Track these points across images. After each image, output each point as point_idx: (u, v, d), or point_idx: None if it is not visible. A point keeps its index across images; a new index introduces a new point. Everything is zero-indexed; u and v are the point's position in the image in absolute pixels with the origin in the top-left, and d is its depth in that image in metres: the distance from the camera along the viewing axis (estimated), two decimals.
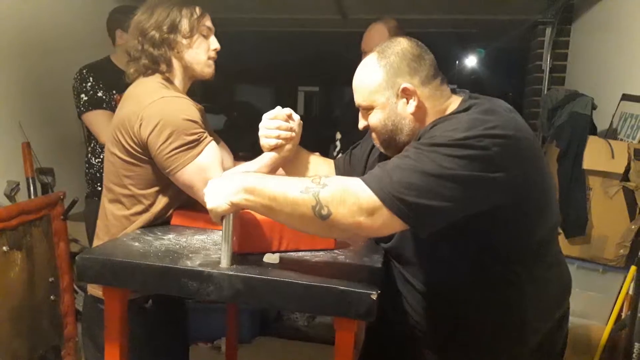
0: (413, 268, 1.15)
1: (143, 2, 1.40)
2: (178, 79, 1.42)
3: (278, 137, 1.27)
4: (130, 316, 1.20)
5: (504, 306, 1.09)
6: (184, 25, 1.37)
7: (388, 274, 1.18)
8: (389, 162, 0.98)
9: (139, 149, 1.30)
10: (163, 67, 1.38)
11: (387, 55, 1.10)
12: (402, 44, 1.11)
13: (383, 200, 0.92)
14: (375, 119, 1.12)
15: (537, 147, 1.05)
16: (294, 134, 1.29)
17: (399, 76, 1.08)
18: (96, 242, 1.40)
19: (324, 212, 0.93)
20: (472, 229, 1.02)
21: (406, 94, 1.09)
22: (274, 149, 1.29)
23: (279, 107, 1.29)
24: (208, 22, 1.43)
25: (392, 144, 1.14)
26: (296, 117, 1.31)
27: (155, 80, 1.36)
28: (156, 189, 1.35)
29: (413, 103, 1.09)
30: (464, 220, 0.97)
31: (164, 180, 1.34)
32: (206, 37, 1.42)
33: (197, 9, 1.40)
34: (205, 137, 1.30)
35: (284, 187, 0.96)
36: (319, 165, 1.41)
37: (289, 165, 1.36)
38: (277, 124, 1.27)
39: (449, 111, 1.10)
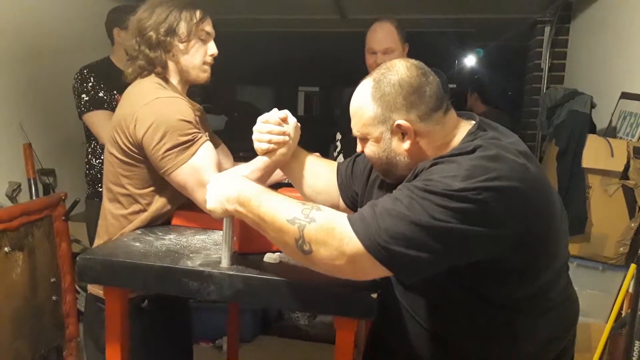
0: (412, 296, 1.10)
1: (141, 3, 1.40)
2: (175, 80, 1.42)
3: (269, 142, 1.24)
4: None
5: (499, 347, 1.04)
6: (182, 29, 1.35)
7: (388, 290, 1.13)
8: (380, 202, 0.92)
9: (134, 149, 1.31)
10: (159, 68, 1.38)
11: (382, 86, 1.01)
12: (400, 74, 1.00)
13: (367, 247, 0.87)
14: (369, 151, 1.07)
15: (546, 193, 0.97)
16: (287, 138, 1.25)
17: (393, 111, 1.00)
18: (97, 242, 1.41)
19: (306, 248, 0.91)
20: (468, 276, 0.97)
21: (401, 130, 1.00)
22: (266, 153, 1.26)
23: (274, 110, 1.26)
24: (207, 27, 1.41)
25: (389, 175, 1.09)
26: (292, 120, 1.27)
27: (152, 80, 1.36)
28: (153, 188, 1.36)
29: (408, 141, 1.01)
30: (461, 266, 0.93)
31: (160, 180, 1.34)
32: (204, 41, 1.40)
33: (198, 13, 1.38)
34: (200, 138, 1.30)
35: (275, 209, 0.94)
36: (318, 166, 1.37)
37: (287, 167, 1.34)
38: (268, 128, 1.24)
39: (453, 144, 1.02)
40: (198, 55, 1.40)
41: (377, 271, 0.91)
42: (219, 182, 1.03)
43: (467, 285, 0.99)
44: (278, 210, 0.94)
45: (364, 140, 1.07)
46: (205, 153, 1.29)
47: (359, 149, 1.12)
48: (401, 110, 0.99)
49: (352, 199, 1.32)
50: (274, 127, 1.24)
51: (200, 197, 1.24)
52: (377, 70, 1.04)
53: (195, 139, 1.28)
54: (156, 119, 1.26)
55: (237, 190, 0.99)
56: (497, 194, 0.87)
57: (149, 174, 1.34)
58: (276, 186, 1.59)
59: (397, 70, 1.01)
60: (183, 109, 1.30)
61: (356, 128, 1.08)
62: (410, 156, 1.03)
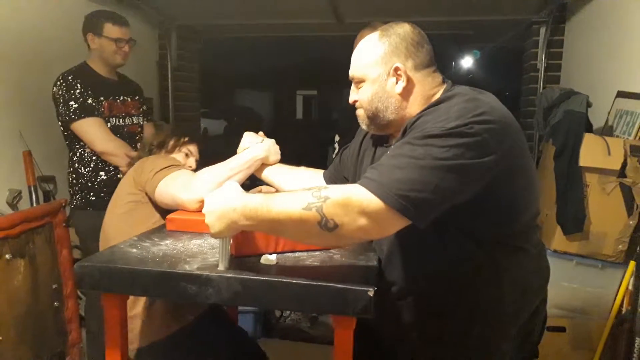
0: (392, 261, 1.16)
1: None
2: None
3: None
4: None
5: (483, 293, 1.10)
6: (169, 145, 1.78)
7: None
8: (382, 163, 0.99)
9: (138, 191, 1.57)
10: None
11: (389, 34, 1.16)
12: (405, 28, 1.17)
13: (386, 200, 0.92)
14: (364, 93, 1.18)
15: (521, 133, 1.09)
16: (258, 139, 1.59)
17: (394, 55, 1.14)
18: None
19: (330, 225, 0.94)
20: (457, 215, 1.02)
21: (397, 73, 1.14)
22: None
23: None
24: (192, 148, 1.81)
25: (377, 120, 1.19)
26: (268, 140, 1.62)
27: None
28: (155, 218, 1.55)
29: (402, 84, 1.14)
30: (451, 207, 0.98)
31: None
32: (187, 156, 1.79)
33: (187, 138, 1.80)
34: (182, 167, 1.57)
35: (285, 206, 0.96)
36: (303, 172, 1.53)
37: (273, 179, 1.54)
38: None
39: (434, 99, 1.13)
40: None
41: (398, 222, 0.96)
42: (215, 206, 1.02)
43: (452, 227, 1.05)
44: (289, 204, 0.96)
45: (360, 82, 1.19)
46: (185, 172, 1.52)
47: (351, 98, 1.23)
48: (401, 55, 1.14)
49: None
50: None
51: (185, 197, 1.42)
52: (385, 25, 1.20)
53: (177, 166, 1.54)
54: (154, 159, 1.60)
55: (241, 207, 0.99)
56: (487, 126, 0.97)
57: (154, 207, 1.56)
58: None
59: (403, 26, 1.18)
60: (175, 160, 1.65)
61: (356, 70, 1.20)
62: (402, 99, 1.14)
